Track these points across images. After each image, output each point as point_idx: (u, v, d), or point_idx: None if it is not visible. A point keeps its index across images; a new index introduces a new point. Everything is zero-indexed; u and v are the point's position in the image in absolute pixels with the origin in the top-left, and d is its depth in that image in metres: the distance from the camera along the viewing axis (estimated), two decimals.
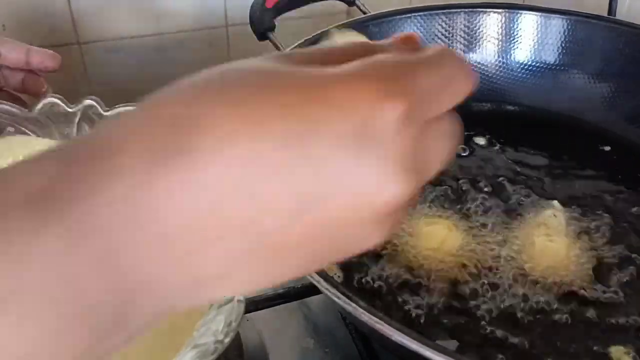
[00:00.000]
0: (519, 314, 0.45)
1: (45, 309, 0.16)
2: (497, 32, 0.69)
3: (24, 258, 0.15)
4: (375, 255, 0.50)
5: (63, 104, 0.50)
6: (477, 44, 0.69)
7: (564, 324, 0.45)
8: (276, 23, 0.62)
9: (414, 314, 0.45)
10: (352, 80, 0.18)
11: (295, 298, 0.48)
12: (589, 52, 0.68)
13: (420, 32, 0.67)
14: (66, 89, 0.55)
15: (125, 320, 0.17)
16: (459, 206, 0.55)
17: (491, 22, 0.69)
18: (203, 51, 0.78)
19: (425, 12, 0.67)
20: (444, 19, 0.68)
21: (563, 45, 0.68)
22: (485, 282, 0.47)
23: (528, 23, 0.69)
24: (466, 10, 0.68)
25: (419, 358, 0.33)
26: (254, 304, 0.46)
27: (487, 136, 0.63)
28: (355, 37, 0.58)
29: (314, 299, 0.49)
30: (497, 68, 0.69)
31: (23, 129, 0.49)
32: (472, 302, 0.46)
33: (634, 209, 0.55)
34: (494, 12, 0.69)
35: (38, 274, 0.15)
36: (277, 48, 0.60)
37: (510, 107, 0.68)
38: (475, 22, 0.68)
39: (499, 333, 0.44)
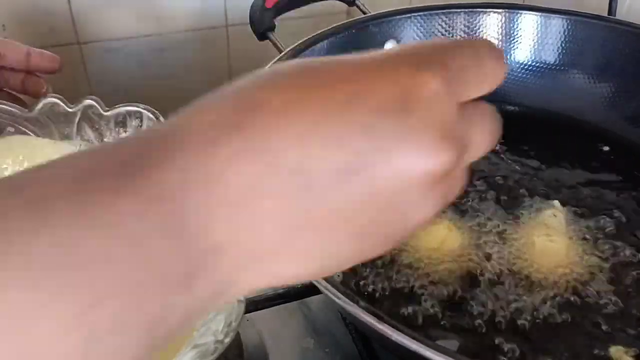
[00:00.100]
0: (519, 314, 0.45)
1: (118, 276, 0.16)
2: (497, 32, 0.69)
3: (99, 223, 0.16)
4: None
5: (63, 104, 0.50)
6: None
7: (564, 324, 0.45)
8: (276, 23, 0.62)
9: (413, 314, 0.45)
10: (392, 59, 0.20)
11: (295, 298, 0.48)
12: (589, 52, 0.68)
13: (420, 32, 0.67)
14: (66, 89, 0.55)
15: (189, 290, 0.18)
16: (459, 206, 0.55)
17: (491, 22, 0.69)
18: (203, 51, 0.78)
19: (425, 12, 0.67)
20: (444, 19, 0.68)
21: (563, 45, 0.68)
22: (485, 282, 0.47)
23: (528, 23, 0.69)
24: (466, 10, 0.68)
25: (419, 358, 0.33)
26: (254, 304, 0.46)
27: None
28: None
29: (314, 299, 0.49)
30: None
31: (23, 129, 0.49)
32: (472, 302, 0.46)
33: (635, 209, 0.55)
34: (494, 12, 0.68)
35: (112, 241, 0.16)
36: (277, 48, 0.60)
37: (510, 107, 0.68)
38: (475, 22, 0.68)
39: (499, 333, 0.44)
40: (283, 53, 0.56)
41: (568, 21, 0.68)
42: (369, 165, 0.19)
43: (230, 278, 0.19)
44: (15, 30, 0.69)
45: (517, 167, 0.60)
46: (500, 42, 0.69)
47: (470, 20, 0.68)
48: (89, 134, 0.49)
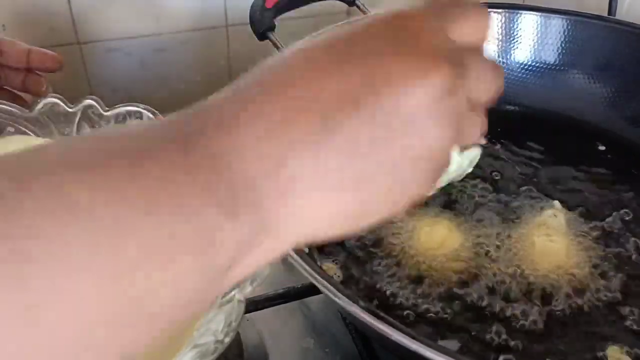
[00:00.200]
0: (519, 314, 0.45)
1: (173, 195, 0.18)
2: (497, 32, 0.69)
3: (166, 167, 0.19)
4: (375, 255, 0.50)
5: (63, 104, 0.50)
6: None
7: (564, 324, 0.45)
8: (276, 23, 0.62)
9: (414, 314, 0.45)
10: (384, 15, 0.24)
11: (295, 298, 0.48)
12: (589, 52, 0.68)
13: None
14: (66, 89, 0.55)
15: (235, 219, 0.20)
16: (459, 206, 0.55)
17: (491, 23, 0.69)
18: (203, 51, 0.78)
19: None
20: None
21: (563, 45, 0.68)
22: (485, 282, 0.47)
23: (528, 23, 0.69)
24: None
25: (419, 358, 0.33)
26: (254, 304, 0.46)
27: (487, 136, 0.63)
28: None
29: (314, 299, 0.49)
30: None
31: (23, 129, 0.49)
32: (472, 302, 0.46)
33: (635, 209, 0.55)
34: (494, 12, 0.68)
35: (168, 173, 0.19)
36: (277, 48, 0.60)
37: (510, 107, 0.68)
38: None
39: (499, 333, 0.44)
40: None
41: (568, 21, 0.68)
42: (374, 88, 0.22)
43: (269, 210, 0.20)
44: (16, 30, 0.69)
45: (517, 167, 0.60)
46: (500, 42, 0.69)
47: None
48: None
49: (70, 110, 0.49)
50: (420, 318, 0.45)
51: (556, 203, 0.55)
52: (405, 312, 0.45)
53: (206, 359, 0.33)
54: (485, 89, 0.26)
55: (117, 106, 0.49)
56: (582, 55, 0.68)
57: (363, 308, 0.35)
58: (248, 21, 0.62)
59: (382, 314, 0.35)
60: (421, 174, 0.24)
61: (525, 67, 0.69)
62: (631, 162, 0.62)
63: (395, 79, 0.22)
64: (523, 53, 0.69)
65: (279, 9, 0.63)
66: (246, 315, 0.44)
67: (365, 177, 0.22)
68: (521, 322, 0.45)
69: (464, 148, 0.26)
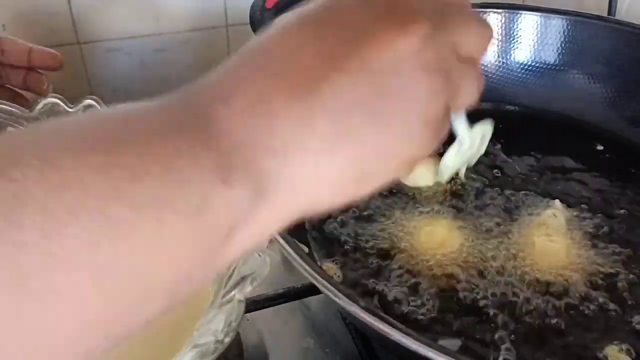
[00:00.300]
0: (519, 314, 0.45)
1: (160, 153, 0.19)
2: (497, 32, 0.69)
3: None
4: (375, 255, 0.50)
5: (63, 104, 0.50)
6: None
7: (564, 324, 0.45)
8: None
9: (413, 314, 0.45)
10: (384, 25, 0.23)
11: (295, 298, 0.48)
12: (589, 52, 0.68)
13: None
14: (66, 89, 0.55)
15: (227, 184, 0.20)
16: (459, 206, 0.55)
17: (491, 22, 0.68)
18: (203, 51, 0.78)
19: None
20: None
21: (563, 45, 0.68)
22: (485, 282, 0.47)
23: (528, 23, 0.69)
24: None
25: (419, 358, 0.33)
26: (254, 304, 0.46)
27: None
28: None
29: (314, 299, 0.49)
30: (497, 68, 0.69)
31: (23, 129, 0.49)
32: (472, 302, 0.46)
33: (635, 209, 0.55)
34: (494, 12, 0.68)
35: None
36: None
37: (510, 107, 0.68)
38: None
39: (499, 333, 0.44)
40: None
41: (568, 21, 0.68)
42: (355, 47, 0.22)
43: (262, 174, 0.21)
44: (16, 31, 0.69)
45: (517, 167, 0.60)
46: (500, 42, 0.69)
47: None
48: None
49: (70, 110, 0.49)
50: (421, 318, 0.45)
51: (557, 202, 0.55)
52: (405, 312, 0.45)
53: (206, 359, 0.33)
54: (473, 42, 0.26)
55: None
56: (582, 55, 0.68)
57: (363, 308, 0.35)
58: (248, 21, 0.62)
59: (382, 314, 0.35)
60: (416, 130, 0.24)
61: (525, 67, 0.70)
62: (631, 162, 0.62)
63: (372, 36, 0.22)
64: (523, 53, 0.69)
65: (279, 9, 0.63)
66: (246, 315, 0.44)
67: (357, 136, 0.22)
68: (521, 322, 0.45)
69: (466, 109, 0.26)
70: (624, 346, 0.43)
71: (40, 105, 0.50)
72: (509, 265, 0.49)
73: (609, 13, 0.75)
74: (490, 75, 0.69)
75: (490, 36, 0.27)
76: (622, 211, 0.55)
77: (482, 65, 0.74)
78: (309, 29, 0.23)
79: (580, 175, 0.60)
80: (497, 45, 0.69)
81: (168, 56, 0.77)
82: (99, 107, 0.49)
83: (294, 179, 0.21)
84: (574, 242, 0.51)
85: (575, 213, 0.54)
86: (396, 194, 0.56)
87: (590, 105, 0.67)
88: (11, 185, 0.16)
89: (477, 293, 0.47)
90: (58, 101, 0.50)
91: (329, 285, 0.36)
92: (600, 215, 0.54)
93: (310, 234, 0.52)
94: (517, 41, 0.69)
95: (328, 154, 0.22)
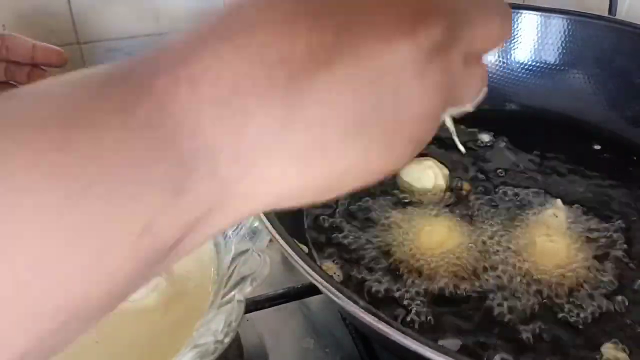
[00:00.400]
0: (519, 314, 0.45)
1: (106, 164, 0.16)
2: None
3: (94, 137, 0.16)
4: (375, 255, 0.50)
5: None
6: None
7: (564, 324, 0.45)
8: None
9: (413, 314, 0.45)
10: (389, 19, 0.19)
11: (295, 298, 0.48)
12: (589, 52, 0.68)
13: None
14: None
15: (179, 195, 0.17)
16: (459, 206, 0.55)
17: None
18: None
19: None
20: None
21: (563, 45, 0.68)
22: (485, 282, 0.47)
23: (528, 23, 0.69)
24: None
25: (419, 358, 0.33)
26: (254, 304, 0.46)
27: (491, 134, 0.64)
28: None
29: (314, 299, 0.49)
30: (497, 68, 0.69)
31: None
32: (472, 302, 0.46)
33: (635, 209, 0.55)
34: None
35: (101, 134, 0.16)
36: None
37: (510, 107, 0.68)
38: None
39: (499, 333, 0.44)
40: None
41: (568, 21, 0.68)
42: (352, 44, 0.18)
43: (223, 184, 0.18)
44: (16, 31, 0.69)
45: (517, 167, 0.60)
46: None
47: None
48: None
49: None
50: (421, 318, 0.45)
51: (558, 202, 0.55)
52: (405, 312, 0.45)
53: (206, 359, 0.33)
54: (488, 43, 0.22)
55: None
56: (582, 55, 0.68)
57: (363, 308, 0.35)
58: None
59: (382, 314, 0.35)
60: (400, 149, 0.21)
61: (526, 67, 0.70)
62: (631, 162, 0.62)
63: (375, 34, 0.19)
64: (523, 53, 0.69)
65: None
66: (246, 315, 0.44)
67: (333, 154, 0.19)
68: (521, 322, 0.45)
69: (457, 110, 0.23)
70: (621, 345, 0.43)
71: None
72: (509, 265, 0.49)
73: (610, 13, 0.75)
74: (490, 75, 0.69)
75: (509, 37, 0.24)
76: (622, 211, 0.55)
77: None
78: (305, 15, 0.18)
79: (580, 175, 0.60)
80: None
81: None
82: None
83: (256, 188, 0.19)
84: (575, 242, 0.51)
85: (575, 213, 0.54)
86: (396, 194, 0.56)
87: (590, 105, 0.67)
88: None
89: (477, 293, 0.47)
90: None
91: (329, 286, 0.36)
92: (600, 215, 0.54)
93: (309, 234, 0.52)
94: (517, 41, 0.69)
95: (297, 167, 0.19)
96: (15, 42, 0.55)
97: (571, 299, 0.46)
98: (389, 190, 0.56)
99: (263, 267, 0.38)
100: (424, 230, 0.52)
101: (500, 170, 0.59)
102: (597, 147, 0.64)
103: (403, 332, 0.33)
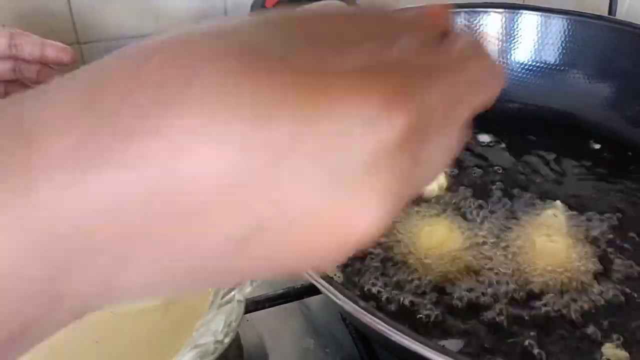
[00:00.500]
0: (519, 315, 0.45)
1: None
2: (497, 32, 0.69)
3: None
4: (375, 255, 0.50)
5: None
6: None
7: (565, 324, 0.45)
8: None
9: (413, 314, 0.45)
10: (357, 84, 0.15)
11: (295, 298, 0.48)
12: (589, 52, 0.68)
13: None
14: None
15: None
16: (459, 206, 0.55)
17: (491, 22, 0.69)
18: None
19: None
20: None
21: (563, 45, 0.68)
22: (485, 282, 0.47)
23: (528, 23, 0.69)
24: (466, 10, 0.68)
25: (419, 358, 0.33)
26: (254, 304, 0.46)
27: (491, 134, 0.64)
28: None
29: (314, 299, 0.49)
30: None
31: None
32: (472, 303, 0.46)
33: (635, 209, 0.55)
34: (494, 12, 0.68)
35: None
36: None
37: (510, 107, 0.68)
38: (475, 22, 0.68)
39: (499, 333, 0.44)
40: None
41: (568, 21, 0.68)
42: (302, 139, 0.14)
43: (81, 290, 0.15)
44: None
45: (517, 167, 0.60)
46: (500, 42, 0.69)
47: (471, 20, 0.68)
48: None
49: None
50: (420, 318, 0.45)
51: (557, 202, 0.55)
52: (405, 312, 0.45)
53: (206, 359, 0.33)
54: (474, 92, 0.18)
55: None
56: (582, 55, 0.68)
57: (363, 308, 0.35)
58: None
59: (381, 314, 0.35)
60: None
61: (526, 67, 0.70)
62: (631, 162, 0.62)
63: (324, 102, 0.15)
64: (523, 53, 0.69)
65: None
66: (246, 315, 0.44)
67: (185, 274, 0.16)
68: (521, 322, 0.45)
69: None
70: (621, 344, 0.43)
71: None
72: (509, 265, 0.49)
73: (610, 13, 0.75)
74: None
75: (501, 83, 0.20)
76: (622, 210, 0.55)
77: None
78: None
79: (580, 175, 0.60)
80: (498, 45, 0.69)
81: None
82: None
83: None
84: (575, 242, 0.51)
85: (575, 213, 0.54)
86: None
87: (590, 104, 0.67)
88: None
89: (477, 293, 0.47)
90: None
91: (329, 286, 0.36)
92: (600, 215, 0.54)
93: None
94: (517, 41, 0.69)
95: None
96: (25, 39, 0.55)
97: (571, 299, 0.46)
98: None
99: None
100: (424, 230, 0.52)
101: (499, 170, 0.59)
102: (597, 146, 0.64)
103: (403, 332, 0.33)
